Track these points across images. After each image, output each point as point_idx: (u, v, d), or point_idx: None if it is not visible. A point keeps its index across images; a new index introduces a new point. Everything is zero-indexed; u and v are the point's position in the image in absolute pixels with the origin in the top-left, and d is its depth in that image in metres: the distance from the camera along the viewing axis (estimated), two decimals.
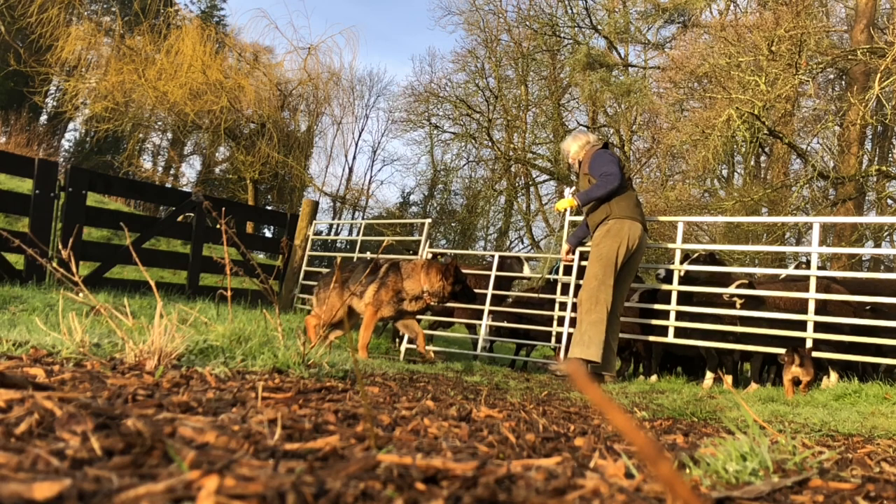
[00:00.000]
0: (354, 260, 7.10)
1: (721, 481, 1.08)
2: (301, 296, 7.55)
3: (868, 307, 4.54)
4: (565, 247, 5.23)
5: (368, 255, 6.57)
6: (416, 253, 6.77)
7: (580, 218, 5.19)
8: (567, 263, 5.40)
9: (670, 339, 4.93)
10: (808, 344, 4.34)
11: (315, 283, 7.42)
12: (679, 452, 1.31)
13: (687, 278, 5.21)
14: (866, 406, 3.23)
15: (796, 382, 3.98)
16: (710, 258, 5.44)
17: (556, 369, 4.52)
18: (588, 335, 4.38)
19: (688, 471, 1.13)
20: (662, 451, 0.63)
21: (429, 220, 6.66)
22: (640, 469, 1.07)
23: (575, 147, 4.98)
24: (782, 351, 4.42)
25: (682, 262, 5.23)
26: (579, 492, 0.87)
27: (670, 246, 5.63)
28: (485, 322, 5.93)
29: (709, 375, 4.79)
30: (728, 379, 4.74)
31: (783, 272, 5.65)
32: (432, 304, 4.42)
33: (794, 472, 1.15)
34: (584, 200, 4.62)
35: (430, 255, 6.13)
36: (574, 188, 4.97)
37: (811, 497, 1.03)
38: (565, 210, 4.79)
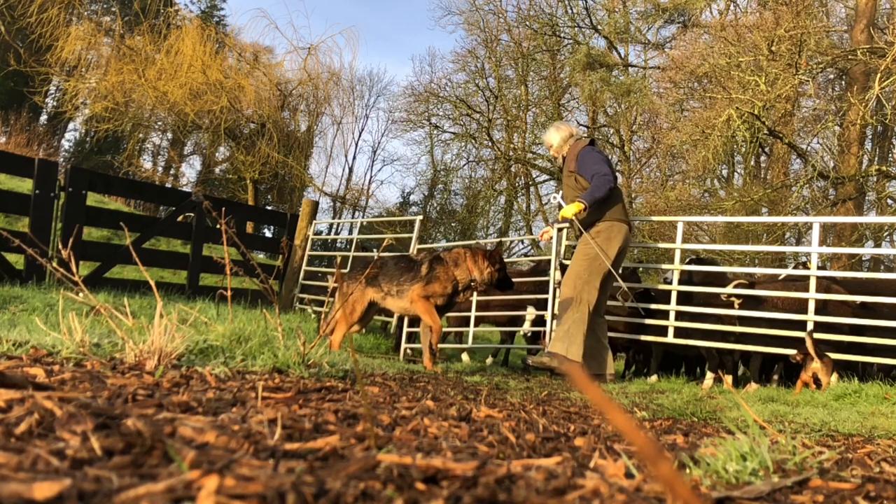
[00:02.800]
0: (350, 259, 7.09)
1: (721, 481, 1.08)
2: (301, 295, 7.55)
3: (857, 304, 4.53)
4: (545, 227, 5.14)
5: (376, 253, 6.54)
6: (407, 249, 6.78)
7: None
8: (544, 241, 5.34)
9: (670, 338, 4.93)
10: (808, 345, 4.34)
11: (315, 283, 7.45)
12: (679, 452, 1.31)
13: (683, 281, 5.21)
14: (866, 406, 3.23)
15: (813, 381, 3.98)
16: (698, 261, 5.44)
17: (538, 362, 4.41)
18: (571, 333, 4.34)
19: (688, 471, 1.13)
20: (662, 451, 0.63)
21: (420, 217, 6.71)
22: (640, 469, 1.07)
23: (558, 139, 4.80)
24: (783, 350, 4.42)
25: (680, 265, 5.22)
26: (579, 492, 0.87)
27: (670, 246, 5.62)
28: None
29: (709, 375, 4.79)
30: (728, 379, 4.74)
31: (783, 272, 5.64)
32: (477, 291, 4.28)
33: (794, 472, 1.15)
34: (591, 203, 4.43)
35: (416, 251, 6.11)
36: (561, 193, 4.84)
37: (811, 497, 1.03)
38: (574, 216, 4.51)
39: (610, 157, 22.70)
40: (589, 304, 4.40)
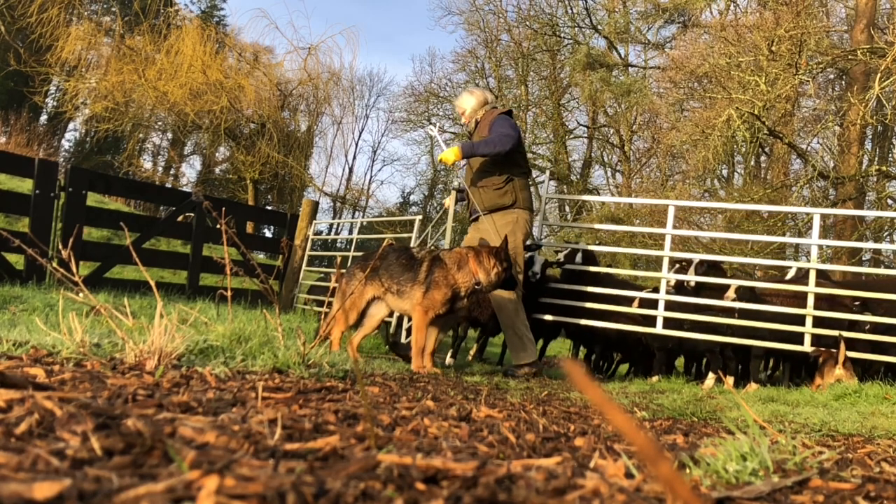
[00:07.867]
0: (350, 257, 7.09)
1: (721, 481, 1.08)
2: (302, 296, 7.55)
3: (857, 303, 4.55)
4: (450, 197, 4.86)
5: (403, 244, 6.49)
6: None
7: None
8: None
9: (658, 328, 4.92)
10: (807, 341, 4.35)
11: (321, 284, 7.43)
12: (679, 452, 1.31)
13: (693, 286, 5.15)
14: (866, 406, 3.23)
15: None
16: (705, 264, 5.41)
17: (523, 374, 4.25)
18: (526, 337, 4.29)
19: (688, 471, 1.13)
20: (662, 451, 0.63)
21: (419, 217, 6.73)
22: (640, 469, 1.07)
23: (472, 103, 4.52)
24: (782, 346, 4.42)
25: (673, 267, 5.18)
26: (579, 492, 0.87)
27: (661, 231, 5.55)
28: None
29: (710, 376, 4.79)
30: (729, 379, 4.74)
31: (794, 265, 5.63)
32: (483, 293, 3.95)
33: (794, 472, 1.15)
34: (469, 153, 4.20)
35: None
36: (438, 126, 4.69)
37: (811, 497, 1.03)
38: (453, 164, 4.21)
39: (609, 156, 22.77)
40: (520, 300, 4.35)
